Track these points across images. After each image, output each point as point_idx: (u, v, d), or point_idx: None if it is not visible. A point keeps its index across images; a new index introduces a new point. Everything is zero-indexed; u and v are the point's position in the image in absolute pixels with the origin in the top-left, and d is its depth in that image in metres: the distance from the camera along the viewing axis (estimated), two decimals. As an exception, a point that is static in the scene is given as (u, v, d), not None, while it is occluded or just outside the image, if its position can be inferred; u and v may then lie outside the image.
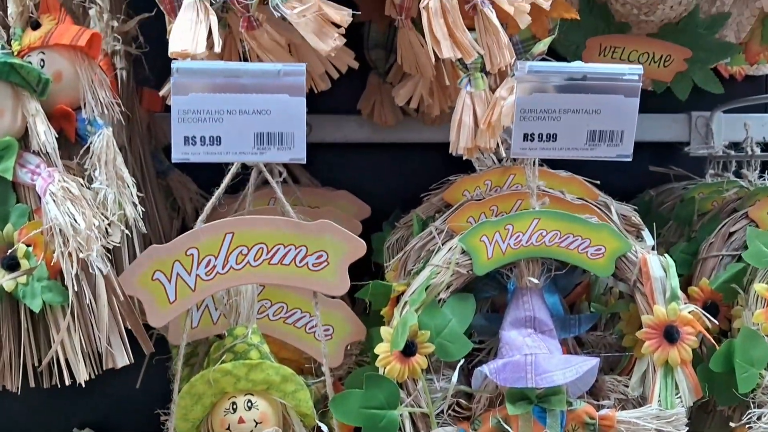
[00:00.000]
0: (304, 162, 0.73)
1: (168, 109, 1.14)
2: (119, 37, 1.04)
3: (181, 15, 0.79)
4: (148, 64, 1.10)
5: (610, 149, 0.76)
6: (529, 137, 0.77)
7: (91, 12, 0.99)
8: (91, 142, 0.83)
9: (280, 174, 0.95)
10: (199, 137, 0.71)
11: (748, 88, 1.32)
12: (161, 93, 1.17)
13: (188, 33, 0.77)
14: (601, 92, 0.74)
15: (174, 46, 0.77)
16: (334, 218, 1.05)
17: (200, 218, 0.82)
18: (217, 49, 0.79)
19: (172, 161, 0.72)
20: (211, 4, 0.80)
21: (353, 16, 1.16)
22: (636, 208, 1.00)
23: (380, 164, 1.31)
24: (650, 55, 1.04)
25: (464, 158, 0.94)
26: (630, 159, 0.77)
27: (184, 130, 0.70)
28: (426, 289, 0.81)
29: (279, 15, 0.81)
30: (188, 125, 0.70)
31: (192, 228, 1.18)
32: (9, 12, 0.91)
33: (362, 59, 1.22)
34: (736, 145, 1.27)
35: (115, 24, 1.02)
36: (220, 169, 1.19)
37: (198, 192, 1.24)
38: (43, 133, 0.78)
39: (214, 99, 0.70)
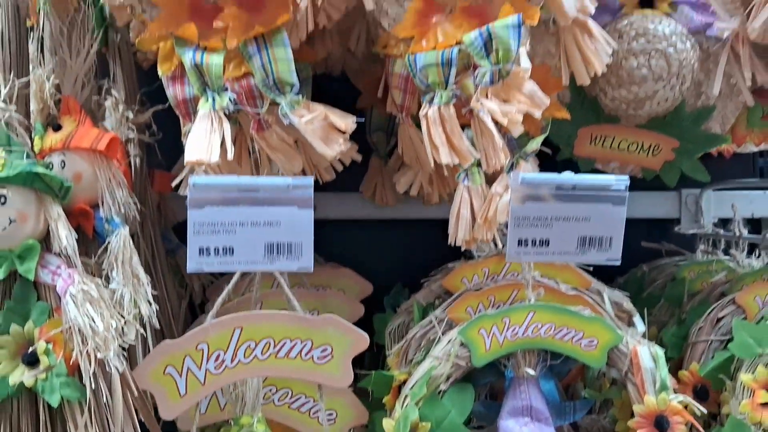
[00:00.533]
0: (311, 271, 0.77)
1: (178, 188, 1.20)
2: (133, 126, 1.10)
3: (197, 125, 0.84)
4: (160, 148, 1.16)
5: (600, 254, 0.81)
6: (523, 243, 0.81)
7: (107, 103, 1.04)
8: (108, 242, 0.87)
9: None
10: (213, 248, 0.75)
11: (737, 164, 1.37)
12: (173, 172, 1.24)
13: (203, 142, 0.83)
14: (590, 201, 0.79)
15: (189, 155, 0.82)
16: (337, 302, 1.10)
17: (210, 314, 0.86)
18: (230, 156, 0.84)
19: (188, 272, 0.76)
20: (225, 114, 0.86)
21: (357, 103, 1.23)
22: (629, 294, 1.03)
23: (382, 240, 1.35)
24: (639, 145, 1.09)
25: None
26: (619, 263, 0.82)
27: (199, 241, 0.74)
28: (427, 382, 0.85)
29: (288, 122, 0.87)
30: (203, 237, 0.74)
31: (199, 303, 1.23)
32: (31, 109, 0.96)
33: (365, 140, 1.28)
34: (725, 222, 1.32)
35: (130, 115, 1.07)
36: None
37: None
38: (65, 237, 0.82)
39: (228, 212, 0.75)
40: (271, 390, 0.97)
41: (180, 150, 1.24)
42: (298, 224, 0.75)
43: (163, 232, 1.22)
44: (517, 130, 0.83)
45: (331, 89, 1.23)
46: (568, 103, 1.06)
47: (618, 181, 0.79)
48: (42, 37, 0.98)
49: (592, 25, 0.94)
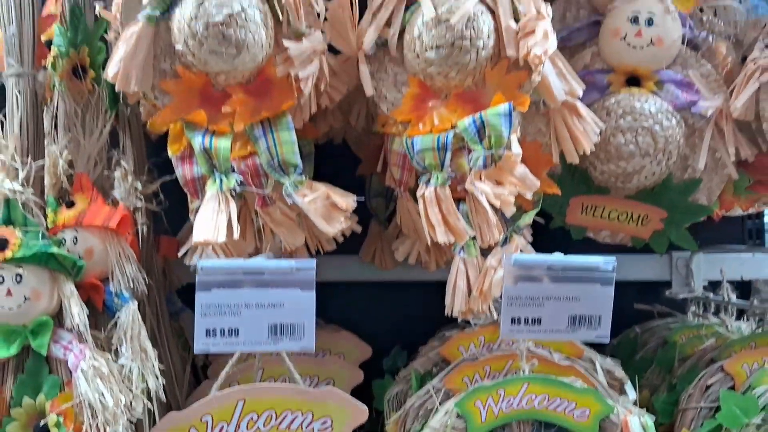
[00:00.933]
0: (313, 351, 0.81)
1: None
2: (141, 196, 1.14)
3: (204, 205, 0.88)
4: (167, 215, 1.20)
5: (590, 332, 0.84)
6: (516, 321, 0.85)
7: (116, 174, 1.08)
8: (118, 316, 0.91)
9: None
10: (219, 329, 0.79)
11: (726, 227, 1.41)
12: (178, 237, 1.27)
13: (210, 223, 0.87)
14: (579, 282, 0.83)
15: (197, 236, 0.86)
16: (336, 367, 1.12)
17: (214, 386, 0.89)
18: (236, 236, 0.88)
19: (195, 353, 0.79)
20: (232, 194, 0.90)
21: (357, 170, 1.27)
22: (620, 360, 1.06)
23: (381, 302, 1.39)
24: (629, 215, 1.14)
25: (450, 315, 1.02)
26: (607, 341, 0.85)
27: (206, 323, 0.78)
28: (425, 455, 0.87)
29: (291, 202, 0.91)
30: (210, 319, 0.78)
31: (202, 366, 1.25)
32: (45, 183, 1.00)
33: (364, 205, 1.32)
34: (716, 284, 1.35)
35: (139, 186, 1.10)
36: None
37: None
38: (77, 314, 0.86)
39: (234, 294, 0.78)
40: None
41: (185, 216, 1.29)
42: (301, 306, 0.79)
43: (167, 296, 1.25)
44: (510, 211, 0.88)
45: (333, 155, 1.28)
46: (559, 174, 1.11)
47: (605, 262, 0.83)
48: (56, 115, 1.03)
49: (581, 106, 0.99)
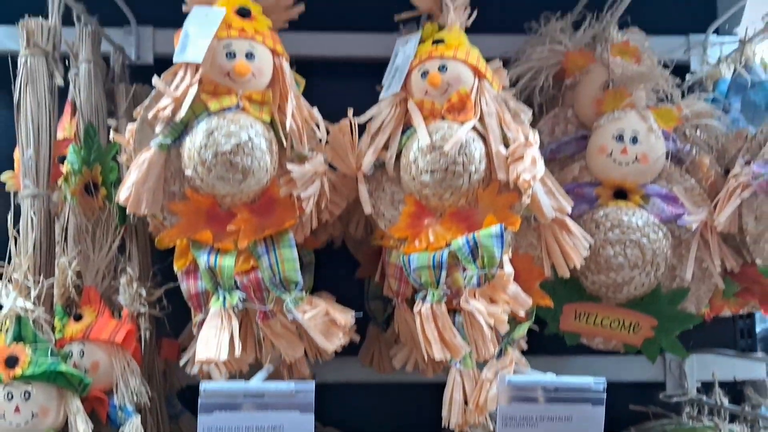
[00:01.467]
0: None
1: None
2: (145, 302, 1.17)
3: (207, 323, 0.92)
4: (168, 318, 1.22)
5: (583, 451, 0.86)
6: (511, 441, 0.87)
7: (122, 280, 1.11)
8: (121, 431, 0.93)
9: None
10: (220, 452, 0.81)
11: (718, 327, 1.43)
12: (180, 340, 1.30)
13: (212, 341, 0.90)
14: (571, 402, 0.86)
15: (200, 354, 0.89)
16: None
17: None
18: (238, 353, 0.91)
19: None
20: (234, 310, 0.93)
21: (356, 273, 1.30)
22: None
23: (381, 403, 1.39)
24: (621, 322, 1.17)
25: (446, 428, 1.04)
26: (599, 460, 0.87)
27: (207, 446, 0.80)
28: None
29: (292, 318, 0.94)
30: (212, 441, 0.80)
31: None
32: (54, 293, 1.04)
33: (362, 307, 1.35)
34: (709, 385, 1.37)
35: (143, 292, 1.14)
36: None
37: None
38: (83, 430, 0.88)
39: (235, 417, 0.81)
40: None
41: (186, 320, 1.31)
42: (300, 428, 0.81)
43: (167, 398, 1.26)
44: (503, 329, 0.91)
45: (332, 258, 1.32)
46: (552, 281, 1.14)
47: (596, 383, 0.86)
48: (66, 228, 1.08)
49: (570, 222, 1.04)
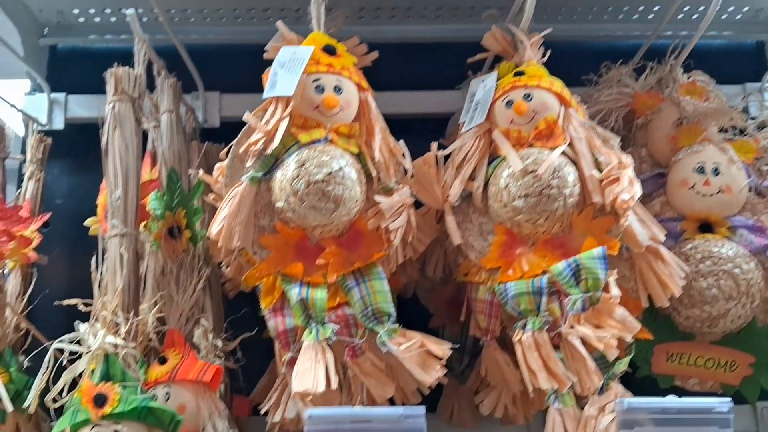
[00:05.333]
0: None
1: (256, 413, 1.21)
2: (221, 354, 1.14)
3: (302, 356, 0.89)
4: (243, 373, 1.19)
5: (712, 482, 0.80)
6: (634, 472, 0.81)
7: (197, 332, 1.09)
8: (211, 476, 0.88)
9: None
10: (327, 481, 0.76)
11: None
12: (251, 397, 1.26)
13: (309, 373, 0.86)
14: (695, 425, 0.80)
15: (297, 386, 0.85)
16: None
17: None
18: (334, 386, 0.87)
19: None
20: (328, 343, 0.90)
21: (428, 322, 1.27)
22: None
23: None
24: (716, 361, 1.11)
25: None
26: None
27: (315, 474, 0.75)
28: None
29: (386, 350, 0.91)
30: (319, 470, 0.75)
31: None
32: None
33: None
34: (808, 436, 1.29)
35: (219, 344, 1.11)
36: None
37: (280, 496, 1.26)
38: (174, 473, 0.83)
39: (342, 444, 0.77)
40: None
41: (259, 375, 1.28)
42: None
43: (238, 459, 1.21)
44: (612, 355, 0.87)
45: (403, 308, 1.28)
46: (641, 321, 1.10)
47: (721, 403, 0.80)
48: (146, 274, 1.07)
49: (664, 251, 1.01)
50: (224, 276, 1.19)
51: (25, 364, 1.24)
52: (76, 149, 1.47)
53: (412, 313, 1.32)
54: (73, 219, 1.43)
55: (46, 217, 1.28)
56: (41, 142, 1.36)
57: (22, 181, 1.37)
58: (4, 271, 1.25)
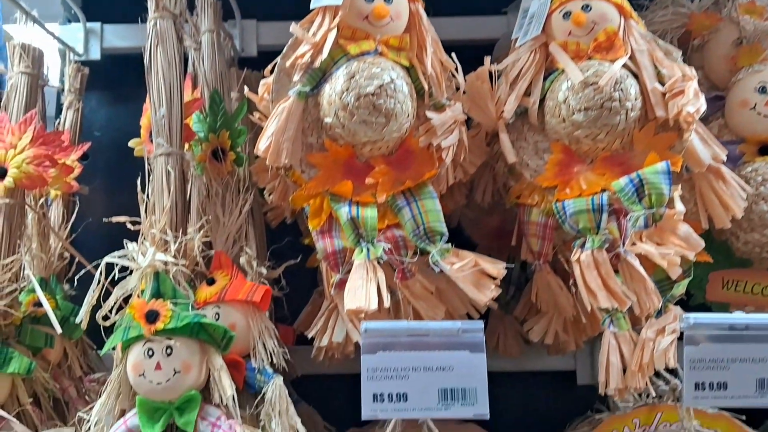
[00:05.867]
0: (488, 417, 0.76)
1: (299, 342, 1.21)
2: (266, 282, 1.13)
3: (353, 275, 0.87)
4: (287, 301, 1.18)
5: (781, 397, 0.77)
6: (700, 386, 0.79)
7: (242, 260, 1.07)
8: (264, 392, 0.87)
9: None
10: (386, 394, 0.75)
11: None
12: (294, 326, 1.25)
13: (361, 291, 0.84)
14: (763, 342, 0.77)
15: (349, 304, 0.84)
16: None
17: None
18: (387, 304, 0.85)
19: (362, 419, 0.75)
20: (379, 262, 0.88)
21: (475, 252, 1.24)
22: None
23: (505, 394, 1.31)
24: (774, 288, 1.08)
25: (604, 394, 0.96)
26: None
27: (373, 387, 0.74)
28: None
29: (438, 270, 0.89)
30: (377, 383, 0.74)
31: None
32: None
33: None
34: None
35: (263, 271, 1.10)
36: (347, 403, 1.22)
37: (324, 425, 1.26)
38: (229, 387, 0.82)
39: (400, 357, 0.75)
40: None
41: (302, 305, 1.27)
42: (472, 369, 0.75)
43: (283, 387, 1.21)
44: (676, 273, 0.84)
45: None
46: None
47: (791, 318, 0.78)
48: (190, 199, 1.05)
49: (725, 171, 0.97)
50: (267, 205, 1.18)
51: (70, 292, 1.25)
52: (113, 80, 1.45)
53: (456, 245, 1.30)
54: (112, 150, 1.42)
55: (87, 146, 1.27)
56: (78, 72, 1.34)
57: (60, 112, 1.36)
58: (47, 200, 1.25)
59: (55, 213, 1.27)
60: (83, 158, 1.28)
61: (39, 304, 1.08)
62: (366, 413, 0.74)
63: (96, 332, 0.92)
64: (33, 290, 1.08)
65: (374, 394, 0.74)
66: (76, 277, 1.01)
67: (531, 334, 1.07)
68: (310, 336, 1.02)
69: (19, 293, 1.08)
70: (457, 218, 1.28)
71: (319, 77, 0.91)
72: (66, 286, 1.24)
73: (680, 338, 0.88)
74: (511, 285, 1.25)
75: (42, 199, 1.21)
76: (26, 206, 1.10)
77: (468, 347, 0.75)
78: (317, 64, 0.89)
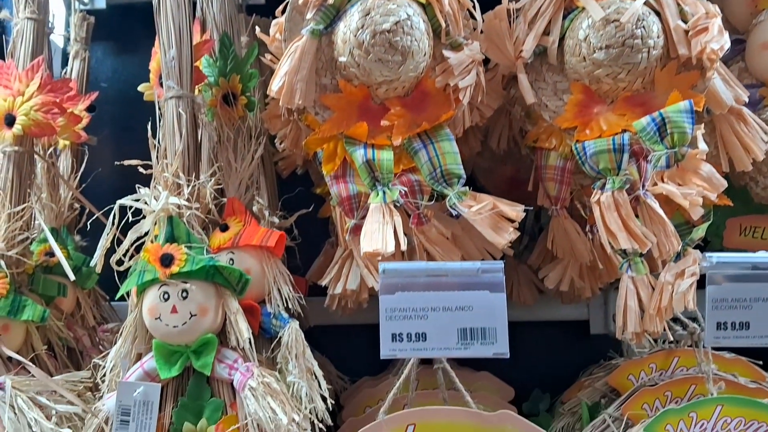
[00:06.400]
0: (507, 356, 0.75)
1: (311, 293, 1.20)
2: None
3: (369, 218, 0.85)
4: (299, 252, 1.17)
5: (805, 335, 0.77)
6: (722, 326, 0.78)
7: (254, 209, 1.06)
8: (280, 336, 0.87)
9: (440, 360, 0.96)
10: (405, 334, 0.74)
11: None
12: (306, 277, 1.25)
13: (377, 234, 0.83)
14: (788, 276, 0.76)
15: (365, 246, 0.82)
16: (486, 383, 1.06)
17: (382, 409, 0.83)
18: (404, 247, 0.84)
19: (381, 357, 0.75)
20: (396, 205, 0.87)
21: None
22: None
23: (519, 343, 1.31)
24: (793, 234, 1.07)
25: (620, 338, 0.95)
26: (827, 346, 0.77)
27: (391, 327, 0.73)
28: (620, 483, 0.79)
29: (456, 213, 0.87)
30: (395, 323, 0.73)
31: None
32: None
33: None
34: None
35: (275, 220, 1.08)
36: (360, 354, 1.22)
37: (337, 374, 1.27)
38: (246, 330, 0.82)
39: (419, 297, 0.74)
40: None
41: (314, 256, 1.26)
42: (491, 308, 0.74)
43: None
44: (697, 213, 0.82)
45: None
46: (713, 193, 1.05)
47: (815, 257, 0.76)
48: (201, 144, 1.03)
49: (747, 113, 0.95)
50: (278, 154, 1.17)
51: (81, 243, 1.24)
52: (118, 31, 1.43)
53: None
54: (118, 102, 1.41)
55: (95, 95, 1.25)
56: (84, 21, 1.32)
57: (67, 63, 1.34)
58: (56, 150, 1.24)
59: (65, 164, 1.26)
60: (90, 110, 1.26)
61: (51, 254, 1.08)
62: (384, 352, 0.74)
63: (109, 283, 0.92)
64: (45, 240, 1.07)
65: (393, 333, 0.74)
66: (87, 229, 1.00)
67: (546, 281, 1.06)
68: (323, 284, 1.01)
69: (31, 243, 1.07)
70: (470, 168, 1.26)
71: (333, 15, 0.88)
72: (77, 237, 1.24)
73: (699, 285, 0.87)
74: (525, 234, 1.24)
75: (51, 149, 1.19)
76: (35, 155, 1.08)
77: (488, 287, 0.74)
78: (331, 0, 0.86)
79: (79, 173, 1.23)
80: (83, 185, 1.24)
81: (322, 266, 1.18)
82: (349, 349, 1.27)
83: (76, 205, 1.23)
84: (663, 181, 0.83)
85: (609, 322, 1.27)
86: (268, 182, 1.12)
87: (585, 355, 1.23)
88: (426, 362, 0.94)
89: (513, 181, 1.23)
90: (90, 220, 0.96)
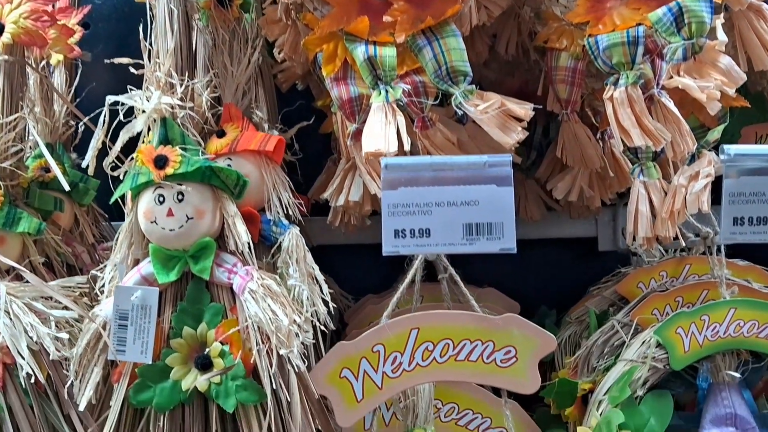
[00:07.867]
0: (515, 252, 0.73)
1: (315, 213, 1.18)
2: (276, 143, 1.09)
3: (372, 117, 0.82)
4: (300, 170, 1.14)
5: (823, 230, 0.74)
6: (739, 221, 0.75)
7: (254, 120, 1.03)
8: (280, 242, 0.84)
9: (445, 270, 0.94)
10: (408, 230, 0.72)
11: None
12: (309, 196, 1.22)
13: (380, 133, 0.80)
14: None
15: (367, 146, 0.79)
16: (493, 296, 1.05)
17: (385, 314, 0.81)
18: (407, 147, 0.81)
19: (383, 254, 0.72)
20: (399, 104, 0.83)
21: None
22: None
23: (523, 260, 1.29)
24: (811, 145, 1.03)
25: (632, 248, 0.93)
26: None
27: (394, 223, 0.71)
28: (628, 384, 0.77)
29: (462, 113, 0.84)
30: (398, 219, 0.71)
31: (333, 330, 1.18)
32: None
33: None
34: None
35: (275, 133, 1.05)
36: (363, 273, 1.20)
37: (341, 293, 1.25)
38: (244, 233, 0.80)
39: (423, 192, 0.71)
40: (437, 404, 0.91)
41: (317, 172, 1.24)
42: (498, 203, 0.71)
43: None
44: (715, 108, 0.78)
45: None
46: (728, 101, 1.01)
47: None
48: (196, 48, 0.99)
49: (767, 9, 0.90)
50: (277, 66, 1.13)
51: (77, 161, 1.21)
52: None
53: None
54: (113, 19, 1.36)
55: (87, 9, 1.21)
56: (73, -70, 1.26)
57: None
58: (49, 66, 1.20)
59: (59, 80, 1.22)
60: (85, 26, 1.23)
61: (46, 170, 1.05)
62: (387, 249, 0.71)
63: (108, 205, 0.90)
64: (40, 155, 1.05)
65: (395, 230, 0.71)
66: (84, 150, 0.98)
67: (555, 191, 1.03)
68: (325, 197, 0.99)
69: (26, 159, 1.05)
70: (476, 79, 1.22)
71: None
72: (74, 155, 1.21)
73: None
74: (533, 149, 1.20)
75: (43, 62, 1.16)
76: (27, 66, 1.05)
77: (495, 181, 0.71)
78: None
79: (73, 87, 1.19)
80: (78, 100, 1.21)
81: (325, 183, 1.15)
82: (352, 269, 1.25)
83: (72, 122, 1.20)
84: (679, 74, 0.79)
85: (618, 238, 1.24)
86: (267, 94, 1.08)
87: (593, 272, 1.21)
88: (431, 279, 0.92)
89: (520, 94, 1.18)
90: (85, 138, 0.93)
